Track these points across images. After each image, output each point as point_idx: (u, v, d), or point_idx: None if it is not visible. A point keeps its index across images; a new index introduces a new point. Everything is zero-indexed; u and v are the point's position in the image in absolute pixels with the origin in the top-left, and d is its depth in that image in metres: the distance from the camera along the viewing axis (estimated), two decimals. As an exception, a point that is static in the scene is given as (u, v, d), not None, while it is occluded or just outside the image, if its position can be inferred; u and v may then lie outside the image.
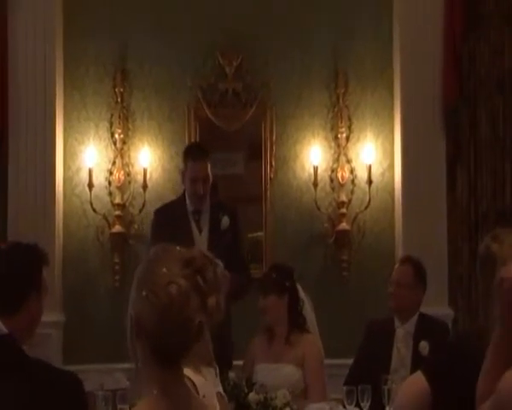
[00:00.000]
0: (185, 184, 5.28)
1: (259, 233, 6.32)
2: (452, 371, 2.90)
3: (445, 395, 2.88)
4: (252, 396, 3.96)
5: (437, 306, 5.73)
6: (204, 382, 2.69)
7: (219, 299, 2.01)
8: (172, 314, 1.98)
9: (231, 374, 4.14)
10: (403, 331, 4.85)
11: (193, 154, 5.29)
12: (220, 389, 3.07)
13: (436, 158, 6.21)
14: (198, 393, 2.51)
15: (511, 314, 2.16)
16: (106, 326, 6.05)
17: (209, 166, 5.19)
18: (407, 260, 5.08)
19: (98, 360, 5.81)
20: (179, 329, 1.98)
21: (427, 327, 4.82)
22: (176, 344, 1.99)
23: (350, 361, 4.97)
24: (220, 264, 2.07)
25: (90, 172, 6.13)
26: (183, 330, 1.98)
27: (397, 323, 4.88)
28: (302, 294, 4.85)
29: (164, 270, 2.00)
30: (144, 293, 2.00)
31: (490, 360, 2.39)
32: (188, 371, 2.13)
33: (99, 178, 6.22)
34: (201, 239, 5.18)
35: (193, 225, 5.21)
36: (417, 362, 4.62)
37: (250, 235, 6.25)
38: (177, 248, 2.06)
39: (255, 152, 6.40)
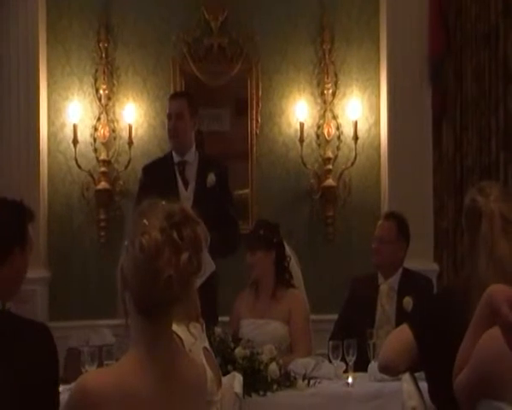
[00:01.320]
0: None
1: (245, 190, 6.30)
2: (437, 324, 2.92)
3: (431, 347, 2.91)
4: (238, 351, 3.97)
5: (422, 261, 5.76)
6: (190, 337, 2.70)
7: (194, 257, 2.00)
8: (142, 264, 1.99)
9: (217, 329, 4.15)
10: (386, 287, 4.87)
11: (171, 95, 5.40)
12: (206, 344, 3.08)
13: (422, 113, 6.20)
14: (184, 347, 2.52)
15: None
16: (91, 282, 6.07)
17: (186, 104, 5.16)
18: (390, 215, 5.09)
19: (84, 317, 5.84)
20: (148, 280, 1.98)
21: (410, 282, 4.84)
22: (148, 296, 2.00)
23: (335, 317, 5.00)
24: (201, 223, 2.06)
25: (75, 128, 6.08)
26: (152, 282, 1.98)
27: (380, 279, 4.90)
28: (288, 250, 4.87)
29: (144, 221, 2.01)
30: (125, 243, 2.04)
31: (469, 339, 2.40)
32: (174, 327, 2.13)
33: (84, 135, 6.17)
34: (187, 195, 5.15)
35: (179, 178, 5.17)
36: (401, 317, 4.64)
37: (236, 192, 6.23)
38: (163, 202, 2.07)
39: (241, 108, 6.36)
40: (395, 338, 3.03)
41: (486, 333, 2.26)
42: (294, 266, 4.90)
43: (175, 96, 5.42)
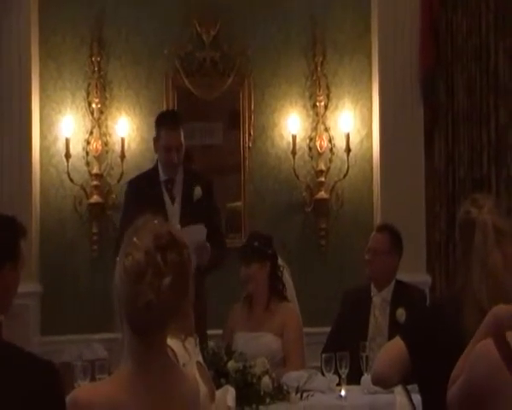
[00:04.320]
0: (158, 153, 5.23)
1: (238, 203, 6.30)
2: (430, 336, 2.92)
3: (424, 359, 2.90)
4: (231, 364, 3.97)
5: (415, 273, 5.76)
6: (184, 352, 2.70)
7: (179, 281, 2.00)
8: (124, 285, 1.99)
9: (210, 343, 4.15)
10: (379, 299, 4.87)
11: (166, 122, 5.22)
12: (200, 358, 3.08)
13: (414, 126, 6.22)
14: (178, 361, 2.52)
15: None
16: (84, 297, 6.05)
17: (182, 134, 5.14)
18: (383, 227, 5.10)
19: (76, 331, 5.81)
20: (130, 302, 1.99)
21: (403, 294, 4.84)
22: (133, 316, 2.00)
23: (328, 329, 5.00)
24: (188, 247, 2.06)
25: (67, 141, 6.07)
26: (133, 304, 1.98)
27: (373, 290, 4.90)
28: (281, 262, 4.87)
29: (134, 239, 2.02)
30: (117, 259, 2.04)
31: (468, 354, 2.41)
32: (168, 341, 2.13)
33: (76, 148, 6.16)
34: (174, 209, 5.14)
35: (165, 194, 5.16)
36: (394, 329, 4.63)
37: (229, 205, 6.24)
38: (156, 221, 2.06)
39: (233, 121, 6.37)
40: (388, 351, 3.03)
41: (480, 346, 2.25)
42: (287, 278, 4.90)
43: (172, 126, 5.17)
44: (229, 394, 3.53)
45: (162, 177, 5.18)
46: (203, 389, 2.69)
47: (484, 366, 2.21)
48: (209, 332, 4.91)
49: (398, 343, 2.95)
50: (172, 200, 5.17)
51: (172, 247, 2.00)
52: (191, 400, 2.10)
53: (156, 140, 5.21)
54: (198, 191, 5.12)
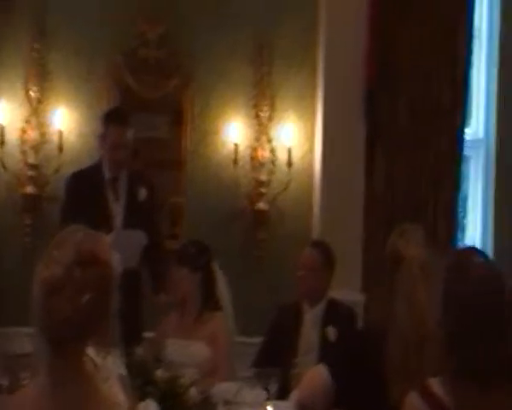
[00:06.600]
0: (103, 150, 5.14)
1: (179, 199, 6.20)
2: (353, 365, 2.95)
3: (346, 387, 2.92)
4: (159, 373, 3.87)
5: (349, 291, 5.74)
6: (106, 363, 2.65)
7: (99, 299, 1.96)
8: (41, 298, 1.96)
9: (139, 349, 4.04)
10: (311, 315, 4.85)
11: (114, 119, 5.13)
12: (122, 370, 3.03)
13: (355, 144, 6.20)
14: (99, 374, 2.45)
15: None
16: (15, 290, 5.83)
17: (130, 132, 5.07)
18: (315, 244, 5.09)
19: (5, 324, 5.61)
20: (46, 313, 1.95)
21: (334, 312, 4.83)
22: (48, 331, 1.96)
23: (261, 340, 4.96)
24: (111, 265, 2.02)
25: (2, 129, 5.90)
26: (47, 319, 1.95)
27: (305, 307, 4.88)
28: (218, 271, 4.80)
29: (55, 252, 1.97)
30: (37, 269, 2.00)
31: None
32: (90, 352, 2.09)
33: (12, 136, 5.98)
34: (118, 208, 5.09)
35: (109, 193, 5.10)
36: (324, 347, 4.65)
37: (171, 199, 6.15)
38: (84, 232, 2.02)
39: (177, 121, 6.25)
40: (310, 378, 3.04)
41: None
42: (223, 288, 4.83)
43: (120, 124, 5.09)
44: (150, 409, 3.47)
45: (107, 175, 5.09)
46: (125, 402, 2.62)
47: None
48: (147, 335, 4.89)
49: (320, 371, 2.96)
50: (117, 199, 5.09)
51: (93, 264, 1.96)
52: None
53: (102, 137, 5.11)
54: (143, 192, 5.10)
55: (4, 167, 5.94)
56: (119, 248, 2.78)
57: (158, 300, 5.00)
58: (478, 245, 6.69)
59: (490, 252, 6.66)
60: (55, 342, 1.95)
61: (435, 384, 2.28)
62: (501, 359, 2.23)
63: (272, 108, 6.30)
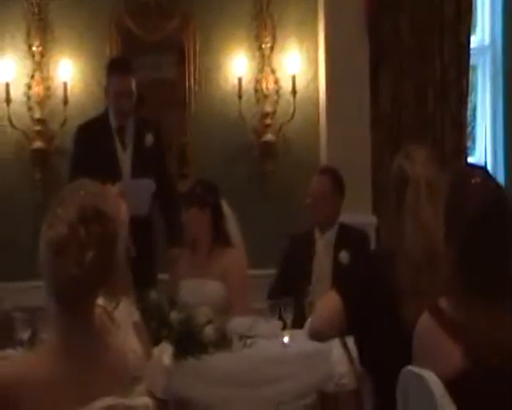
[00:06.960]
0: (108, 100, 5.17)
1: (184, 139, 6.22)
2: (364, 290, 2.97)
3: (358, 312, 2.95)
4: (173, 315, 3.96)
5: (360, 214, 5.76)
6: (118, 312, 2.70)
7: (103, 256, 1.97)
8: (47, 258, 1.97)
9: (153, 293, 4.13)
10: (323, 242, 4.89)
11: (117, 68, 5.16)
12: (136, 317, 3.08)
13: (360, 68, 6.15)
14: (113, 321, 2.51)
15: None
16: (26, 244, 5.94)
17: (133, 81, 5.09)
18: (324, 170, 5.11)
19: (16, 278, 5.69)
20: (52, 275, 1.97)
21: (347, 237, 4.87)
22: (56, 289, 1.98)
23: (273, 271, 5.03)
24: (115, 219, 2.02)
25: (8, 86, 5.90)
26: (55, 278, 1.96)
27: (317, 234, 4.92)
28: (226, 209, 4.85)
29: (59, 210, 1.98)
30: (42, 227, 2.00)
31: None
32: (103, 301, 2.12)
33: (17, 93, 6.01)
34: (125, 157, 5.14)
35: (117, 142, 5.14)
36: (338, 272, 4.70)
37: (177, 140, 6.17)
38: (87, 188, 2.02)
39: (180, 61, 6.24)
40: (323, 305, 3.07)
41: None
42: (232, 224, 4.87)
43: (123, 72, 5.12)
44: (165, 352, 3.53)
45: (113, 124, 5.14)
46: (139, 350, 2.70)
47: None
48: (162, 277, 4.97)
49: (332, 297, 2.99)
50: (124, 147, 5.14)
51: (97, 220, 1.97)
52: (118, 368, 2.10)
53: (107, 87, 5.16)
54: (149, 138, 5.13)
55: (12, 125, 5.97)
56: (126, 198, 2.86)
57: (171, 255, 5.03)
58: (489, 155, 6.65)
59: (501, 161, 6.62)
60: (63, 301, 1.98)
61: (445, 303, 2.33)
62: (507, 274, 2.28)
63: (274, 37, 6.25)
